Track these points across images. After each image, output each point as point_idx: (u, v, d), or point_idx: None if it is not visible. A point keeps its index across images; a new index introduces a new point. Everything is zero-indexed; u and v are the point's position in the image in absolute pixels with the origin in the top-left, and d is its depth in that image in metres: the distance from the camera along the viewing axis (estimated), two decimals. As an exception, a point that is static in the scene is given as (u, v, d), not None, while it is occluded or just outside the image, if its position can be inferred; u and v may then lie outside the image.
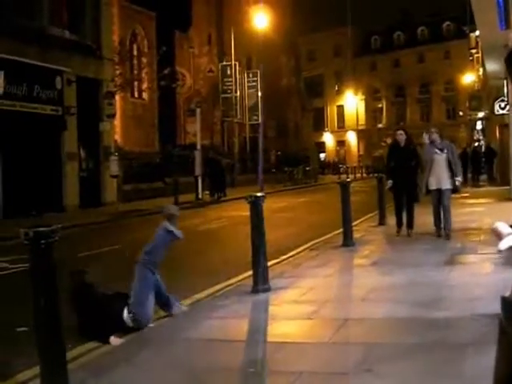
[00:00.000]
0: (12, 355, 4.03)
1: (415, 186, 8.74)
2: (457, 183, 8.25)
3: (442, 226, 8.34)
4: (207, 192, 20.40)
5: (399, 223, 8.97)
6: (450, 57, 53.84)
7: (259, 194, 5.54)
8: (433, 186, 8.28)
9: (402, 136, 8.84)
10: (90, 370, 3.56)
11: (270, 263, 5.54)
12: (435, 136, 8.49)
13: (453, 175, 8.20)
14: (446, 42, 53.73)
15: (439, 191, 8.24)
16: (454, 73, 50.48)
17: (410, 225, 8.86)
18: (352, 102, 53.57)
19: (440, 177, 8.21)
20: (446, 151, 8.30)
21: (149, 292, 4.44)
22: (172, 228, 4.56)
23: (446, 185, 8.22)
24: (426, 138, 8.60)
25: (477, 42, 34.04)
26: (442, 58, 54.27)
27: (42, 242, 2.89)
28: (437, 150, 8.30)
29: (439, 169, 8.23)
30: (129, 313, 4.32)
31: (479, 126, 41.18)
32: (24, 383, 3.41)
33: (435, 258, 6.71)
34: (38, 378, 3.17)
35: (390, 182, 8.84)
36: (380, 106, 58.11)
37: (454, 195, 8.63)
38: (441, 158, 8.23)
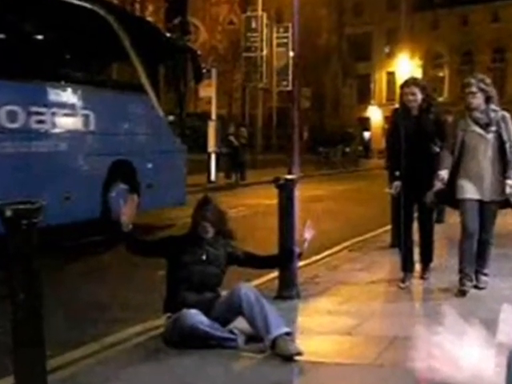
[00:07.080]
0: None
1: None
2: (508, 190, 5.33)
3: (473, 269, 5.56)
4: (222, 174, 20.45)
5: (406, 264, 5.99)
6: (533, 15, 52.76)
7: (291, 177, 5.46)
8: (467, 194, 5.42)
9: (413, 97, 5.68)
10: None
11: (299, 264, 5.50)
12: (473, 98, 5.34)
13: (504, 174, 5.37)
14: (530, -4, 52.66)
15: (480, 204, 5.44)
16: (537, 36, 49.49)
17: (426, 259, 6.10)
18: (406, 69, 52.85)
19: (482, 177, 5.38)
20: (494, 128, 5.38)
21: None
22: None
23: (492, 193, 5.42)
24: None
25: None
26: (524, 16, 53.24)
27: (24, 222, 2.89)
28: (476, 128, 5.40)
29: (480, 162, 5.39)
30: None
31: None
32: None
33: (507, 266, 6.57)
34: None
35: (395, 185, 5.84)
36: (441, 74, 57.28)
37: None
38: (484, 143, 5.39)
